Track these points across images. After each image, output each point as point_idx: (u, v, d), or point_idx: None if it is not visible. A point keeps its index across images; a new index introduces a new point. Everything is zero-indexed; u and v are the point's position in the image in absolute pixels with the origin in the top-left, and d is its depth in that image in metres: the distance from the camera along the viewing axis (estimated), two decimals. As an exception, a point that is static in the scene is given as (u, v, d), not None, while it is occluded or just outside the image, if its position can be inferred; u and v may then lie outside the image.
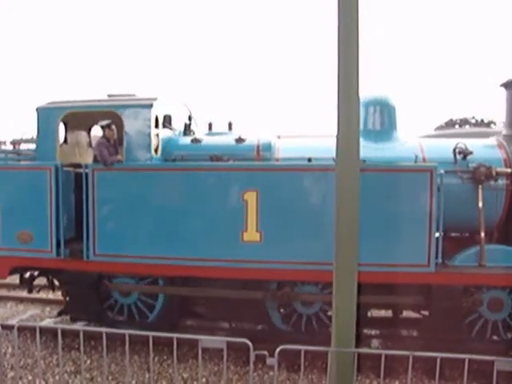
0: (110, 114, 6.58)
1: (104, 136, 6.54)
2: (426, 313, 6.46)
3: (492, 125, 21.61)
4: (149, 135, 6.42)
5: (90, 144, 8.18)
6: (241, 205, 6.04)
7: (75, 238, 6.86)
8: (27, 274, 7.23)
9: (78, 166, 6.99)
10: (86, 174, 6.40)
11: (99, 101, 6.76)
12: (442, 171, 5.82)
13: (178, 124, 7.51)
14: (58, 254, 6.51)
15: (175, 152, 6.86)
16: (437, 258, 5.81)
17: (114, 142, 6.64)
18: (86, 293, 6.66)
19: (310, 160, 6.21)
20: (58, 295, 9.01)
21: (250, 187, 6.02)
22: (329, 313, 6.25)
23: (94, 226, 6.38)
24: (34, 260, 6.65)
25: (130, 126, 6.42)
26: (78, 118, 7.21)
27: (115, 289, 6.73)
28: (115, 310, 6.89)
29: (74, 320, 7.14)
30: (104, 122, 6.49)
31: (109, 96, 7.13)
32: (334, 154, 6.39)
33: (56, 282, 7.39)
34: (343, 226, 4.01)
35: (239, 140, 6.73)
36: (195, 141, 6.87)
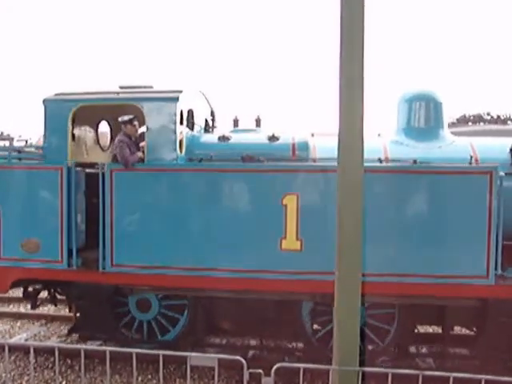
0: (129, 108, 5.87)
1: (124, 133, 5.80)
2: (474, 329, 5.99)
3: (510, 122, 21.22)
4: (174, 132, 5.71)
5: (97, 141, 7.43)
6: (279, 210, 5.42)
7: (85, 246, 6.12)
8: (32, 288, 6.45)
9: (88, 165, 6.26)
10: (103, 175, 5.67)
11: (117, 93, 6.01)
12: (503, 173, 5.30)
13: (199, 119, 6.83)
14: (69, 264, 5.78)
15: (197, 151, 6.20)
16: (496, 269, 5.30)
17: (136, 140, 5.93)
18: (101, 308, 5.94)
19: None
20: (27, 309, 8.12)
21: (290, 190, 5.41)
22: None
23: (111, 233, 5.66)
24: (41, 271, 5.89)
25: (153, 121, 5.70)
26: (87, 112, 6.45)
27: (137, 292, 6.01)
28: (134, 327, 6.20)
29: (84, 339, 6.39)
30: (126, 117, 5.75)
31: (121, 88, 6.36)
32: (374, 155, 6.07)
33: (59, 296, 6.67)
34: (345, 232, 3.73)
35: (272, 138, 6.07)
36: (223, 138, 6.19)
